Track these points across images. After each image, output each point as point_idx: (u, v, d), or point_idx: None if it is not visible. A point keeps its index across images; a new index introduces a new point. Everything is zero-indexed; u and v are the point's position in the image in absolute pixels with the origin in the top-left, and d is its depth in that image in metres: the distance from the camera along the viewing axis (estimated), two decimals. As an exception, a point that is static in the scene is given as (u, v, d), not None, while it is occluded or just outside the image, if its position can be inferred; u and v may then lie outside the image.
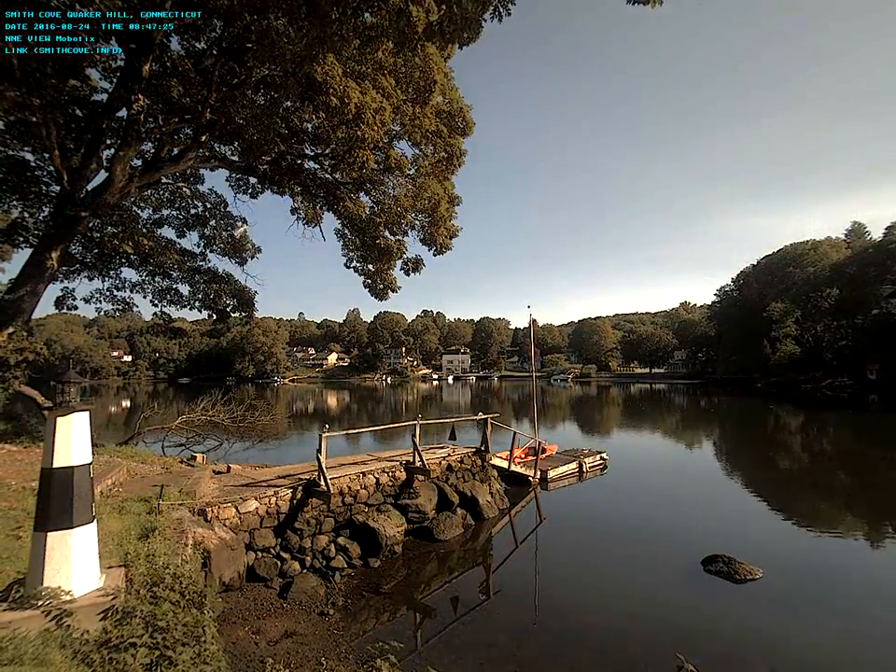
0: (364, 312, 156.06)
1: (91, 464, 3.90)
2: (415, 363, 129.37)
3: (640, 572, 8.37)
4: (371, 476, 10.00)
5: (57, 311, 16.31)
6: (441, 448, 13.05)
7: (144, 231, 15.60)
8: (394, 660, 4.15)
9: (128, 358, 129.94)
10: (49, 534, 3.56)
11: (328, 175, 14.65)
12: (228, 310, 17.41)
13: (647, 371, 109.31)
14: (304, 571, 7.98)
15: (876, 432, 25.74)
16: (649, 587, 7.79)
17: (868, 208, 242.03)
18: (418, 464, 10.52)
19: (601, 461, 16.82)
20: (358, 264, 16.60)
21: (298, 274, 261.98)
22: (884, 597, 7.39)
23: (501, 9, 6.53)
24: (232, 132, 12.43)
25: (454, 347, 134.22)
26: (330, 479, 8.91)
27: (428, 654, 5.87)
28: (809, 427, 29.14)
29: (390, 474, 10.36)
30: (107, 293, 16.03)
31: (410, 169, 14.62)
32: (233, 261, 17.54)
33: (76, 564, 3.63)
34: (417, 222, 15.43)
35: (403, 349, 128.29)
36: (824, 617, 6.83)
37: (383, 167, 13.78)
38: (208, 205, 16.82)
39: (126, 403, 53.62)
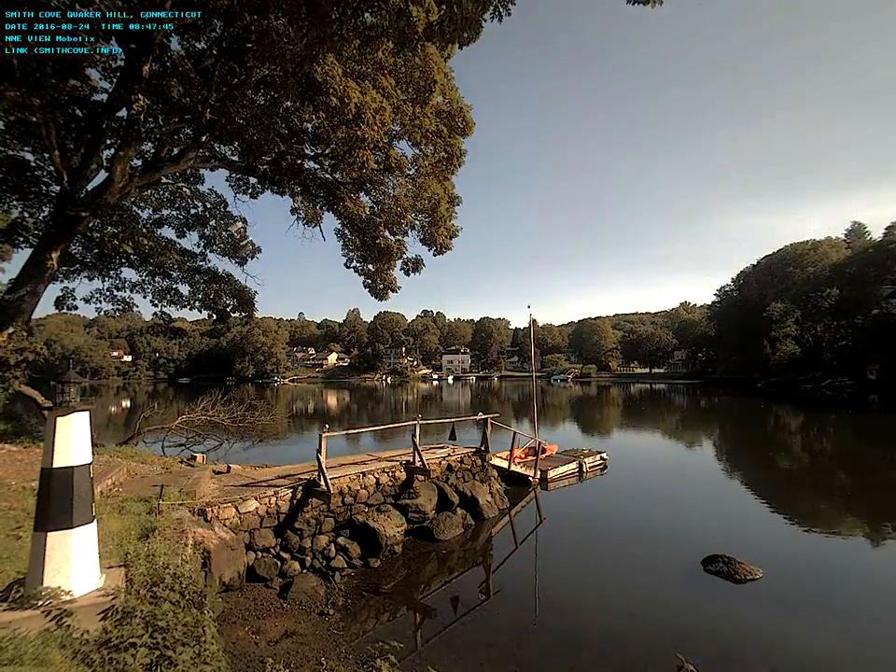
0: (364, 312, 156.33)
1: (90, 464, 3.90)
2: (415, 363, 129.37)
3: (640, 572, 8.37)
4: (370, 476, 10.00)
5: (57, 311, 16.31)
6: (441, 448, 13.05)
7: (144, 230, 15.60)
8: (394, 660, 4.15)
9: (128, 358, 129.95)
10: (48, 534, 3.56)
11: (328, 175, 14.65)
12: (228, 310, 17.40)
13: (647, 371, 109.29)
14: (304, 571, 7.98)
15: (876, 432, 25.73)
16: (649, 587, 7.79)
17: (868, 208, 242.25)
18: (418, 464, 10.52)
19: (601, 461, 16.82)
20: (358, 264, 16.60)
21: (298, 274, 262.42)
22: (884, 597, 7.39)
23: (501, 9, 6.52)
24: (232, 132, 12.43)
25: (454, 347, 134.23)
26: (330, 479, 8.91)
27: (428, 654, 5.87)
28: (809, 427, 29.14)
29: (390, 474, 10.36)
30: (107, 293, 16.03)
31: (410, 169, 14.62)
32: (233, 261, 17.56)
33: (76, 564, 3.63)
34: (417, 222, 15.43)
35: (403, 349, 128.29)
36: (824, 617, 6.83)
37: (383, 167, 13.78)
38: (208, 205, 16.82)
39: (126, 403, 53.62)
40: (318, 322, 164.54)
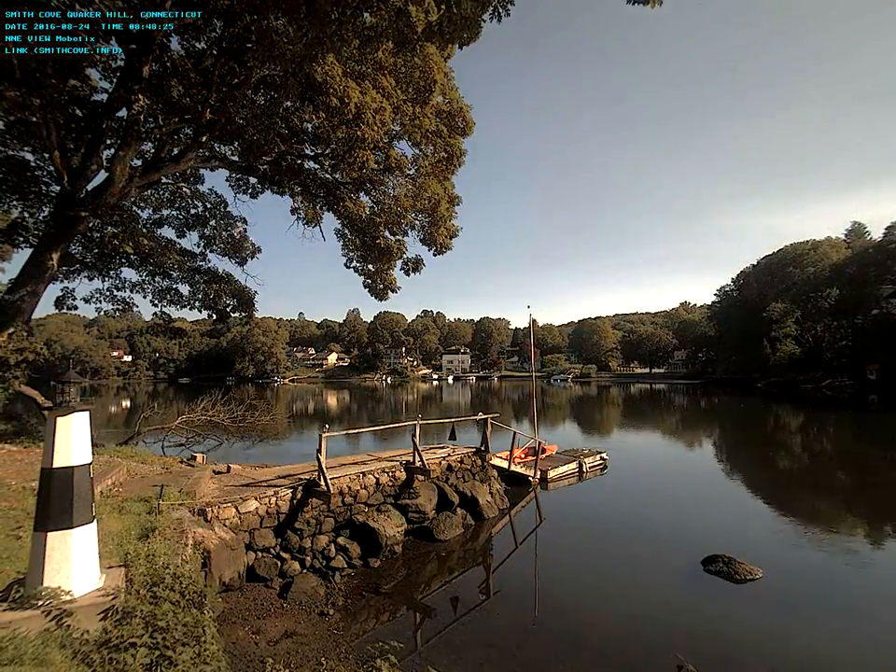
0: (364, 312, 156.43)
1: (90, 464, 3.90)
2: (415, 363, 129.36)
3: (640, 572, 8.37)
4: (371, 476, 10.00)
5: (57, 311, 16.30)
6: (441, 448, 13.05)
7: (144, 231, 15.60)
8: (394, 660, 4.15)
9: (128, 358, 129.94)
10: (48, 534, 3.56)
11: (328, 175, 14.65)
12: (228, 310, 17.40)
13: (647, 371, 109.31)
14: (304, 571, 7.98)
15: (876, 432, 25.74)
16: (649, 587, 7.80)
17: (868, 207, 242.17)
18: (418, 464, 10.52)
19: (601, 461, 16.82)
20: (358, 264, 16.59)
21: (298, 274, 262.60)
22: (884, 597, 7.39)
23: (500, 10, 6.53)
24: (232, 132, 12.43)
25: (454, 347, 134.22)
26: (330, 479, 8.91)
27: (428, 654, 5.87)
28: (809, 427, 29.15)
29: (390, 474, 10.36)
30: (107, 293, 16.03)
31: (410, 169, 14.62)
32: (233, 261, 17.55)
33: (76, 564, 3.64)
34: (417, 222, 15.42)
35: (403, 349, 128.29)
36: (824, 617, 6.83)
37: (383, 167, 13.78)
38: (208, 205, 16.81)
39: (126, 403, 53.63)
40: (318, 322, 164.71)
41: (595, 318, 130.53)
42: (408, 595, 7.61)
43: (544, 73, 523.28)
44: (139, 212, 16.26)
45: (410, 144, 14.10)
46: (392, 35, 7.72)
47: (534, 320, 27.78)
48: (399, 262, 15.95)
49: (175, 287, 16.68)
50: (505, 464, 13.63)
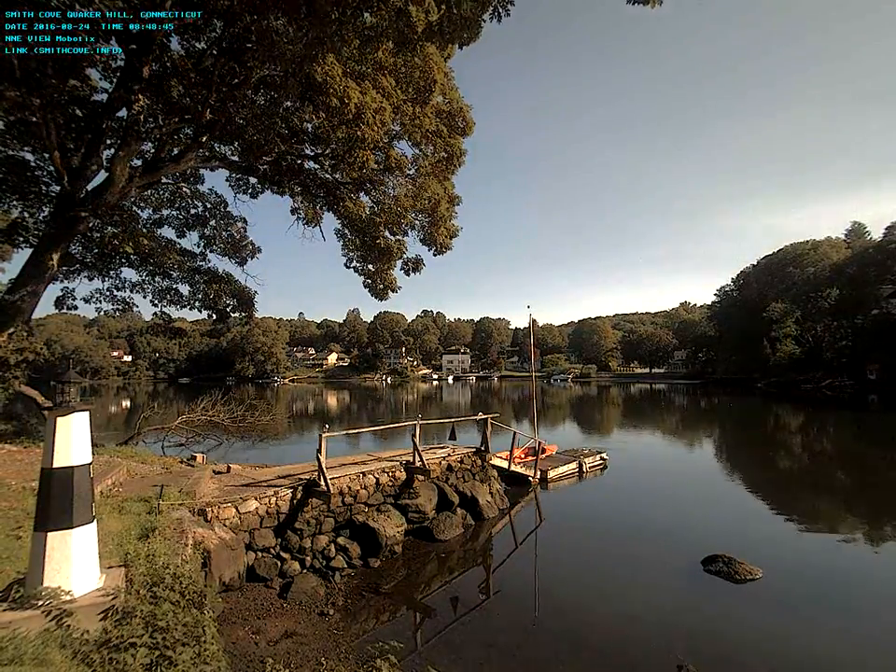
0: (364, 312, 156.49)
1: (90, 464, 3.90)
2: (415, 363, 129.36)
3: (640, 572, 8.37)
4: (371, 476, 10.00)
5: (57, 311, 16.30)
6: (441, 448, 13.05)
7: (144, 231, 15.59)
8: (394, 660, 4.15)
9: (128, 358, 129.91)
10: (48, 534, 3.56)
11: (328, 175, 14.65)
12: (228, 310, 17.39)
13: (647, 371, 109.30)
14: (304, 571, 7.98)
15: (876, 432, 25.74)
16: (649, 587, 7.80)
17: (869, 206, 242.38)
18: (418, 464, 10.52)
19: (601, 461, 16.81)
20: (358, 264, 16.58)
21: (298, 274, 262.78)
22: (884, 597, 7.39)
23: (500, 10, 6.53)
24: (233, 132, 12.43)
25: (454, 347, 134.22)
26: (330, 479, 8.91)
27: (428, 654, 5.87)
28: (809, 427, 29.15)
29: (390, 474, 10.35)
30: (107, 293, 16.02)
31: (410, 169, 14.62)
32: (233, 261, 17.54)
33: (76, 564, 3.64)
34: (417, 222, 15.42)
35: (403, 349, 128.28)
36: (824, 617, 6.83)
37: (383, 167, 13.78)
38: (208, 205, 16.81)
39: (126, 403, 53.62)
40: (318, 322, 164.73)
41: (595, 318, 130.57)
42: (408, 595, 7.60)
43: (544, 72, 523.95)
44: (139, 212, 16.27)
45: (410, 144, 14.10)
46: (392, 35, 7.72)
47: (534, 320, 27.80)
48: (399, 262, 15.96)
49: (174, 286, 16.68)
50: (505, 464, 13.63)
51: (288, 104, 12.32)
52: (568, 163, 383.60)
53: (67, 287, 15.32)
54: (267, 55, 9.76)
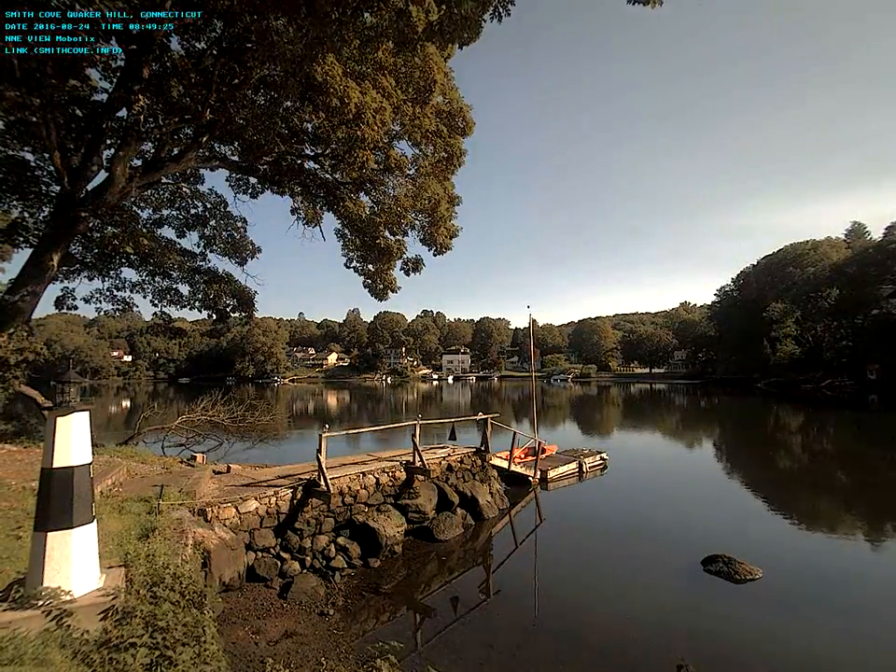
0: (364, 312, 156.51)
1: (90, 464, 3.90)
2: (415, 363, 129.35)
3: (640, 572, 8.37)
4: (371, 476, 10.00)
5: (57, 311, 16.31)
6: (441, 448, 13.05)
7: (144, 231, 15.60)
8: (394, 660, 4.15)
9: (128, 358, 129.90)
10: (48, 534, 3.56)
11: (328, 175, 14.65)
12: (228, 310, 17.40)
13: (647, 371, 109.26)
14: (304, 571, 7.98)
15: (876, 432, 25.73)
16: (649, 587, 7.80)
17: (869, 205, 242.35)
18: (418, 464, 10.52)
19: (601, 461, 16.81)
20: (358, 264, 16.58)
21: (298, 274, 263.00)
22: (884, 597, 7.39)
23: (501, 10, 6.53)
24: (233, 132, 12.43)
25: (454, 347, 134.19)
26: (330, 479, 8.91)
27: (428, 654, 5.87)
28: (809, 427, 29.15)
29: (390, 474, 10.35)
30: (107, 293, 16.04)
31: (410, 169, 14.61)
32: (233, 261, 17.55)
33: (76, 564, 3.64)
34: (417, 222, 15.42)
35: (403, 349, 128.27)
36: (824, 617, 6.83)
37: (383, 167, 13.77)
38: (208, 205, 16.82)
39: (126, 403, 53.62)
40: (318, 322, 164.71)
41: (595, 318, 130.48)
42: (408, 595, 7.60)
43: (544, 72, 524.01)
44: (139, 212, 16.28)
45: (410, 144, 14.10)
46: (392, 35, 7.72)
47: (534, 320, 27.82)
48: (399, 262, 15.96)
49: (175, 286, 16.70)
50: (505, 464, 13.63)
51: (288, 104, 12.31)
52: (568, 163, 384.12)
53: (67, 287, 15.35)
54: (267, 55, 9.76)
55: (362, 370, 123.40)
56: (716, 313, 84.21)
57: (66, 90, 10.80)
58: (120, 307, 16.54)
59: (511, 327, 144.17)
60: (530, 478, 14.34)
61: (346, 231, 16.10)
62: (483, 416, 13.19)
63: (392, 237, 15.46)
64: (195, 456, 12.84)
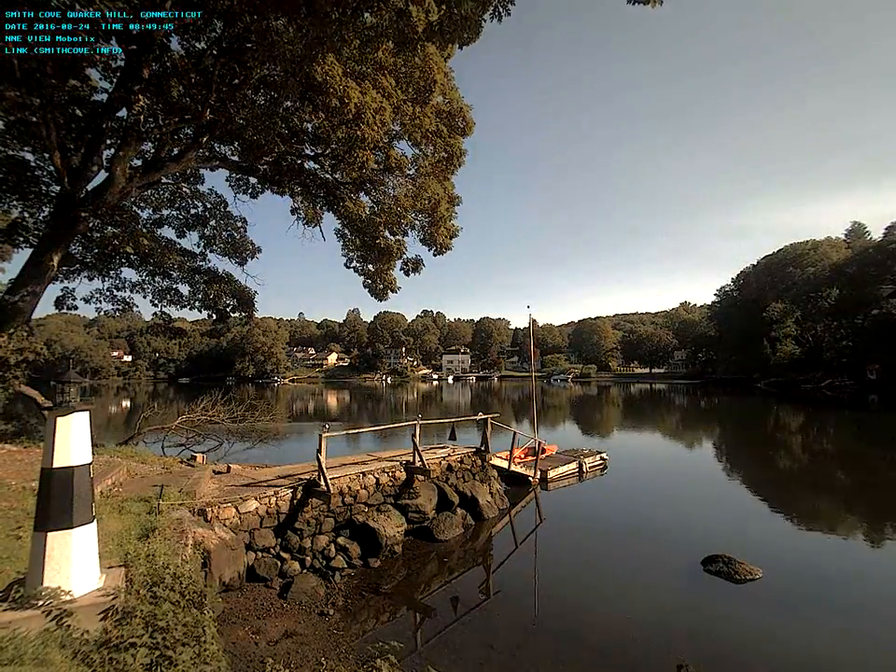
0: (364, 312, 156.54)
1: (90, 464, 3.90)
2: (415, 363, 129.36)
3: (640, 572, 8.37)
4: (371, 476, 9.99)
5: (57, 311, 16.31)
6: (442, 448, 13.05)
7: (144, 231, 15.61)
8: (394, 660, 4.15)
9: (128, 358, 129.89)
10: (48, 534, 3.56)
11: (328, 175, 14.65)
12: (228, 310, 17.40)
13: (647, 371, 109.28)
14: (304, 571, 7.97)
15: (876, 432, 25.74)
16: (649, 587, 7.80)
17: (869, 205, 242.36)
18: (418, 464, 10.52)
19: (601, 461, 16.81)
20: (358, 264, 16.59)
21: (298, 274, 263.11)
22: (884, 597, 7.39)
23: (501, 9, 6.53)
24: (233, 132, 12.43)
25: (454, 347, 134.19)
26: (330, 479, 8.91)
27: (428, 654, 5.87)
28: (809, 427, 29.15)
29: (390, 474, 10.35)
30: (107, 293, 16.04)
31: (410, 169, 14.61)
32: (233, 261, 17.55)
33: (76, 564, 3.63)
34: (417, 222, 15.42)
35: (403, 349, 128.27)
36: (824, 617, 6.83)
37: (383, 167, 13.77)
38: (208, 205, 16.82)
39: (126, 403, 53.61)
40: (318, 322, 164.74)
41: (595, 318, 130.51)
42: (408, 595, 7.60)
43: (544, 72, 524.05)
44: (139, 212, 16.28)
45: (410, 144, 14.09)
46: (392, 35, 7.72)
47: (534, 320, 27.82)
48: (398, 262, 15.95)
49: (175, 286, 16.70)
50: (505, 464, 13.62)
51: (288, 104, 12.31)
52: (568, 163, 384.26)
53: (67, 287, 15.36)
54: (267, 55, 9.76)
55: (362, 370, 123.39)
56: (716, 313, 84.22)
57: (66, 90, 10.80)
58: (120, 307, 16.55)
59: (511, 327, 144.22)
60: (530, 478, 14.33)
61: (346, 231, 16.11)
62: (483, 416, 13.19)
63: (392, 237, 15.46)
64: (195, 456, 12.84)
